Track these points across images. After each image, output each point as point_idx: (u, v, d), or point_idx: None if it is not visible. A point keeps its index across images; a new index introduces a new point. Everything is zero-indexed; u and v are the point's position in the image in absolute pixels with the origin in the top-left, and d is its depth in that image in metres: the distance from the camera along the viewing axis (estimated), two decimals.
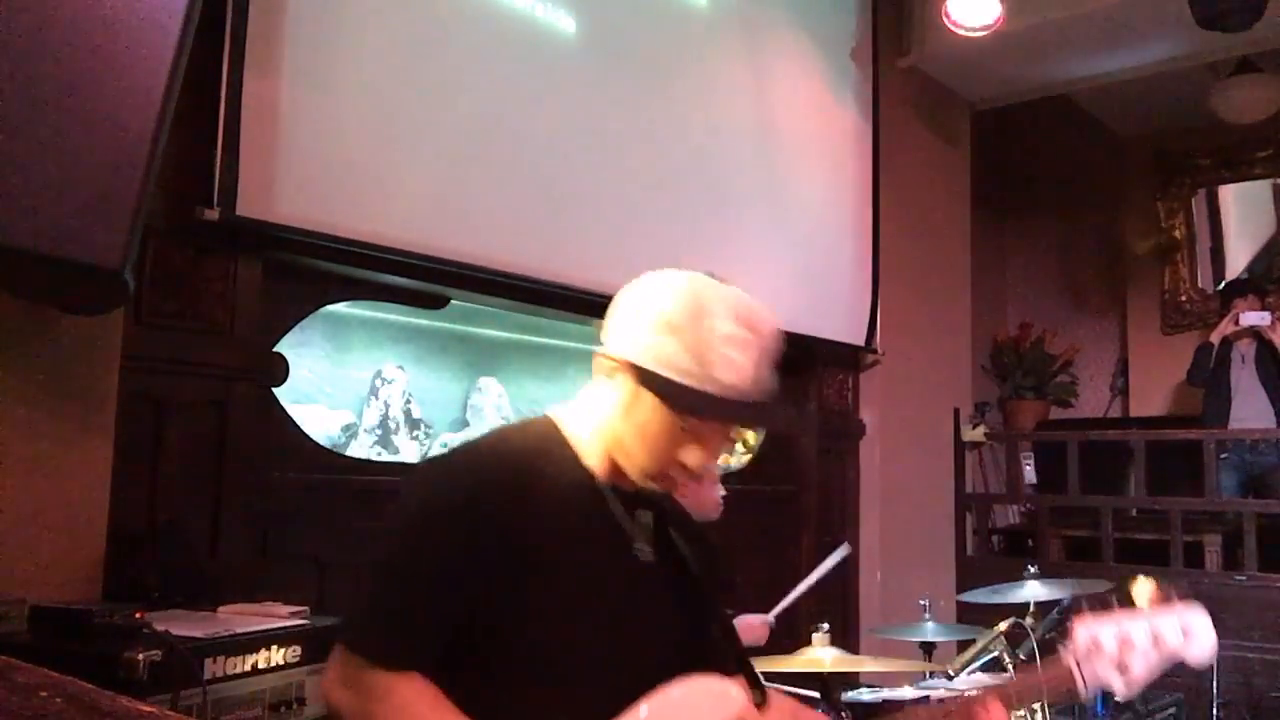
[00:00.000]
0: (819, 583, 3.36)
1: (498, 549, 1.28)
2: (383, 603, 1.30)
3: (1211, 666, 4.48)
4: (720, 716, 1.35)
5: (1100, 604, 1.57)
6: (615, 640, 1.34)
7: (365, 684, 1.24)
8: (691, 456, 1.35)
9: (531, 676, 1.28)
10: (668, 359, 1.29)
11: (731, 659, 1.47)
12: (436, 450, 3.68)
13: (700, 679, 1.37)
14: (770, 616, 3.11)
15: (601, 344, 1.39)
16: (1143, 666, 1.50)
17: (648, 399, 1.32)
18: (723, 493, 3.43)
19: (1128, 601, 1.61)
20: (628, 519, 1.41)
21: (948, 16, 4.90)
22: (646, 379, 1.31)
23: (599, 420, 1.39)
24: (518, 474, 1.33)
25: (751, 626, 3.05)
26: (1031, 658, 2.70)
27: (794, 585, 3.23)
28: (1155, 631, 1.51)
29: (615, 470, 1.40)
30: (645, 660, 1.35)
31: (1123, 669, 1.49)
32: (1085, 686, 1.50)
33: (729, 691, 1.38)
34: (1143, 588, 1.57)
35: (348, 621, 1.35)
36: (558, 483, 1.36)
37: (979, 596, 3.36)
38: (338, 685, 1.29)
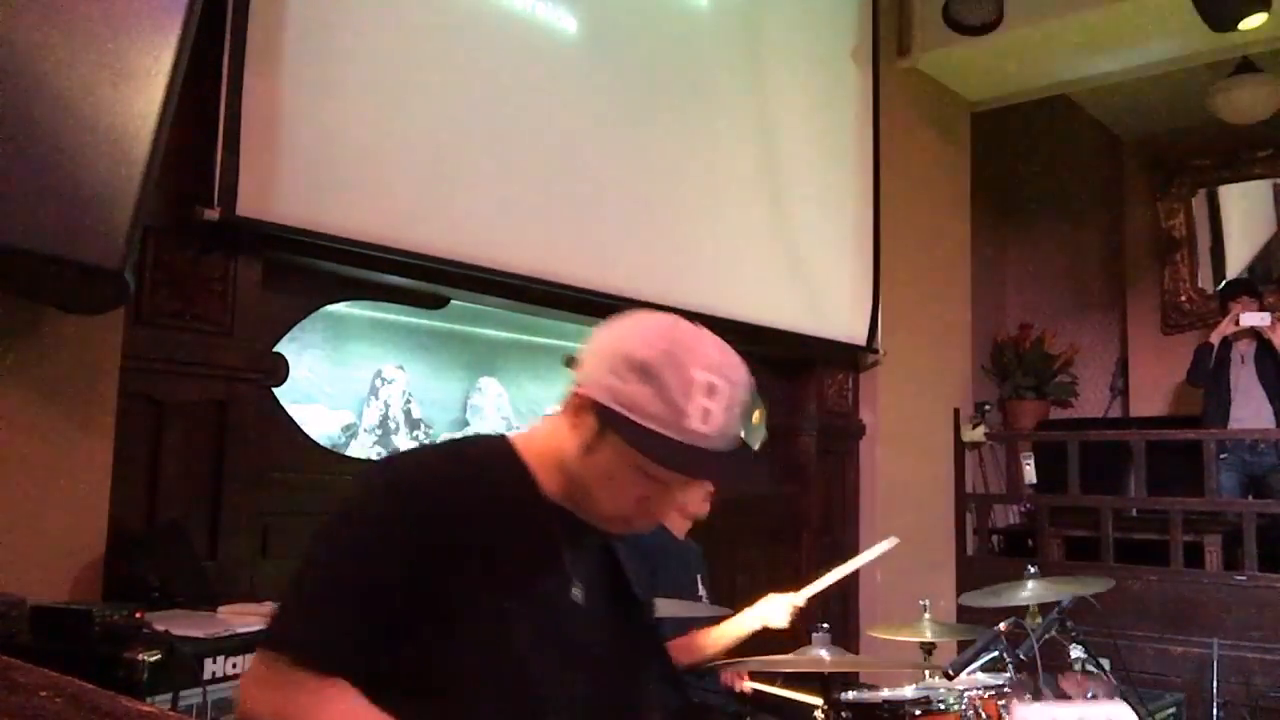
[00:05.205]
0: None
1: (433, 562, 1.24)
2: (312, 604, 1.26)
3: (1212, 666, 4.49)
4: None
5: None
6: (538, 680, 1.28)
7: (290, 684, 1.19)
8: (654, 504, 1.31)
9: (449, 705, 1.24)
10: (638, 403, 1.24)
11: (666, 707, 1.42)
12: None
13: None
14: (801, 599, 3.09)
15: (575, 380, 1.33)
16: None
17: (614, 442, 1.27)
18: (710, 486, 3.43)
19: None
20: (572, 552, 1.36)
21: (948, 17, 4.90)
22: (614, 421, 1.25)
23: (560, 456, 1.34)
24: (464, 487, 1.30)
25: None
26: (1031, 657, 2.70)
27: (796, 585, 3.23)
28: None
29: (570, 501, 1.35)
30: (568, 702, 1.31)
31: None
32: None
33: None
34: None
35: (274, 623, 1.29)
36: (505, 503, 1.32)
37: (978, 600, 3.36)
38: (258, 686, 1.24)
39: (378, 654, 1.22)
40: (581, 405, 1.30)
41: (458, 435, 3.44)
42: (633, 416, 1.24)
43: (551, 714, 1.29)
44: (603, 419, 1.27)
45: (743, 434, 1.32)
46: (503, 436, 1.41)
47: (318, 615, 1.24)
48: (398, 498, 1.28)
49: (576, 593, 1.34)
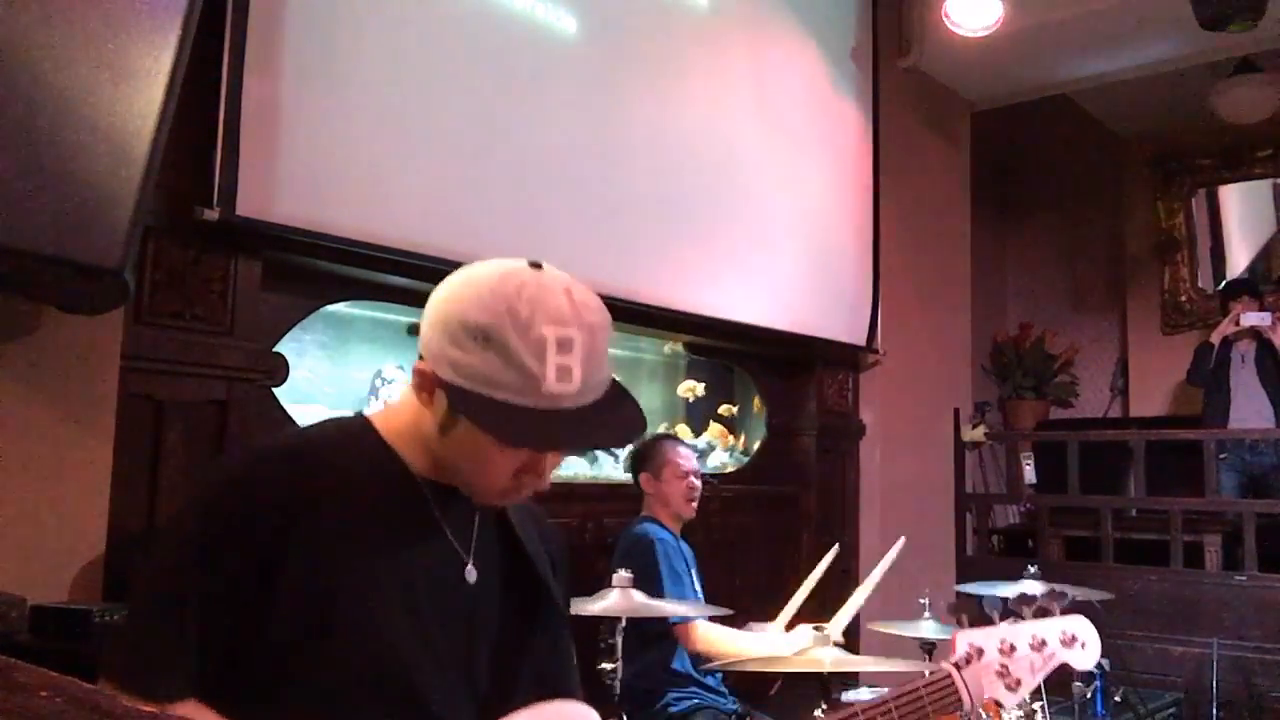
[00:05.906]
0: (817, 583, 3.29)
1: (275, 559, 1.10)
2: (139, 632, 1.13)
3: (1212, 666, 4.49)
4: None
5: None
6: (430, 664, 1.17)
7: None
8: (533, 474, 1.19)
9: (323, 702, 1.12)
10: (487, 375, 1.09)
11: (569, 682, 1.32)
12: None
13: (555, 705, 1.24)
14: (836, 633, 2.95)
15: (420, 351, 1.19)
16: (1026, 670, 1.50)
17: (466, 421, 1.13)
18: (697, 485, 3.41)
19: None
20: (458, 528, 1.23)
21: (948, 16, 4.90)
22: (463, 402, 1.11)
23: (421, 435, 1.21)
24: (315, 469, 1.16)
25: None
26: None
27: (796, 586, 3.22)
28: (1038, 636, 1.52)
29: (443, 477, 1.22)
30: (465, 683, 1.21)
31: (1004, 674, 1.49)
32: (969, 694, 1.47)
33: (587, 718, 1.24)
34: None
35: (109, 652, 1.16)
36: (370, 484, 1.18)
37: (978, 589, 3.38)
38: None
39: (229, 668, 1.10)
40: (426, 382, 1.16)
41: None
42: (482, 391, 1.10)
43: (433, 697, 1.18)
44: (451, 398, 1.13)
45: (607, 375, 1.17)
46: (360, 415, 1.28)
47: (147, 645, 1.11)
48: (225, 500, 1.14)
49: (471, 571, 1.22)
